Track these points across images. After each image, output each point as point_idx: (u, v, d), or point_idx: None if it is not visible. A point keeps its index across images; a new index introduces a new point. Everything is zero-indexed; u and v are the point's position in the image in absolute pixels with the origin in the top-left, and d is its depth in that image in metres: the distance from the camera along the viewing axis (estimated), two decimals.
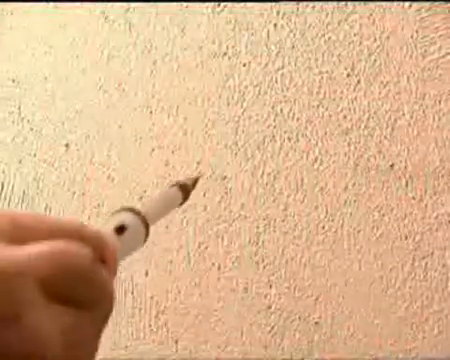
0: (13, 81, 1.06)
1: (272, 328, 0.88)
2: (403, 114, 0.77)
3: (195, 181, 0.87)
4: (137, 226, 0.65)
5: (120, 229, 0.60)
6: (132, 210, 0.66)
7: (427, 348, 0.79)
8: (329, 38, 0.81)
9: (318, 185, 0.83)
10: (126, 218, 0.62)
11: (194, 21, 0.90)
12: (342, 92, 0.81)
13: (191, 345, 0.94)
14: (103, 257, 0.39)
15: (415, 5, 0.76)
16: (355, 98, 0.80)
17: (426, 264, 0.78)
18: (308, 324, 0.86)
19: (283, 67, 0.85)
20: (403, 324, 0.80)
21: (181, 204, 0.85)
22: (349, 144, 0.81)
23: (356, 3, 0.79)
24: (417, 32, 0.76)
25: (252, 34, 0.86)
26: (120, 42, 0.97)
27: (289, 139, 0.85)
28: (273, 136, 0.86)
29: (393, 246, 0.80)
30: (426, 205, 0.77)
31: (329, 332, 0.85)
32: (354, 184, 0.81)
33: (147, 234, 0.66)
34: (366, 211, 0.81)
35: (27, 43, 1.05)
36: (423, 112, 0.76)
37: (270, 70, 0.86)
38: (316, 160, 0.83)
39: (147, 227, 0.66)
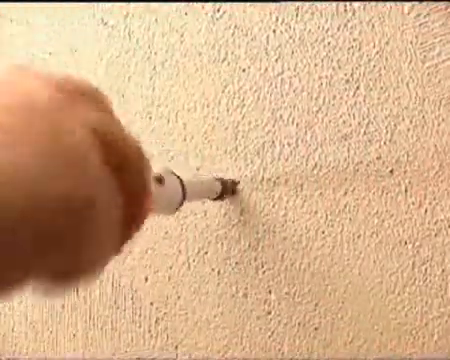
0: None
1: (272, 333, 0.88)
2: (402, 119, 0.77)
3: (234, 184, 0.88)
4: (176, 186, 0.66)
5: (158, 180, 0.60)
6: (174, 174, 0.67)
7: (427, 353, 0.79)
8: (328, 43, 0.81)
9: (318, 190, 0.83)
10: (167, 175, 0.63)
11: (193, 27, 0.90)
12: (341, 98, 0.81)
13: (191, 350, 0.94)
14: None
15: (414, 11, 0.76)
16: (354, 103, 0.80)
17: (426, 270, 0.78)
18: (308, 330, 0.86)
19: (282, 72, 0.85)
20: (403, 329, 0.80)
21: (217, 199, 0.86)
22: (348, 149, 0.81)
23: (355, 8, 0.79)
24: (416, 38, 0.76)
25: (251, 40, 0.86)
26: (119, 48, 0.97)
27: (289, 144, 0.85)
28: (273, 141, 0.86)
29: (393, 252, 0.80)
30: (426, 211, 0.77)
31: (329, 337, 0.85)
32: (354, 190, 0.81)
33: (182, 201, 0.67)
34: (365, 217, 0.81)
35: (27, 50, 1.05)
36: (423, 117, 0.76)
37: (269, 75, 0.86)
38: (316, 165, 0.83)
39: (184, 195, 0.67)
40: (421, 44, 0.76)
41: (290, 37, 0.84)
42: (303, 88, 0.83)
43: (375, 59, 0.78)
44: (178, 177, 0.68)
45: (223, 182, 0.86)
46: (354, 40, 0.80)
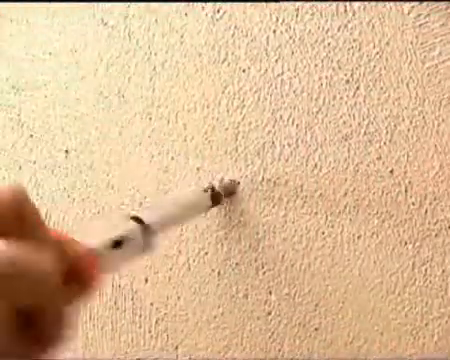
0: (13, 87, 1.06)
1: (272, 334, 0.88)
2: (402, 120, 0.77)
3: (231, 186, 0.87)
4: (136, 239, 0.63)
5: (117, 243, 0.59)
6: (139, 220, 0.64)
7: (427, 354, 0.79)
8: (328, 44, 0.81)
9: (318, 191, 0.83)
10: (125, 232, 0.61)
11: (193, 28, 0.90)
12: (341, 98, 0.81)
13: (191, 351, 0.94)
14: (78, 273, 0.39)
15: (414, 11, 0.76)
16: (354, 104, 0.80)
17: (426, 270, 0.78)
18: (308, 330, 0.86)
19: (282, 73, 0.85)
20: (403, 330, 0.80)
21: (211, 207, 0.84)
22: (349, 150, 0.81)
23: (355, 8, 0.79)
24: (416, 38, 0.76)
25: (251, 40, 0.86)
26: (120, 48, 0.97)
27: (289, 145, 0.85)
28: (273, 142, 0.86)
29: (393, 252, 0.80)
30: (426, 211, 0.77)
31: (329, 338, 0.85)
32: (354, 190, 0.81)
33: (151, 243, 0.64)
34: (366, 217, 0.81)
35: (27, 50, 1.05)
36: (423, 118, 0.76)
37: (269, 76, 0.85)
38: (316, 166, 0.83)
39: (150, 235, 0.64)
40: (421, 44, 0.76)
41: (290, 37, 0.83)
42: (303, 89, 0.83)
43: (375, 59, 0.78)
44: (141, 222, 0.65)
45: (213, 192, 0.84)
46: (354, 40, 0.79)
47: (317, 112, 0.83)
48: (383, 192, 0.79)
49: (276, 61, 0.85)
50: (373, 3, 0.78)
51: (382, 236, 0.80)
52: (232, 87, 0.88)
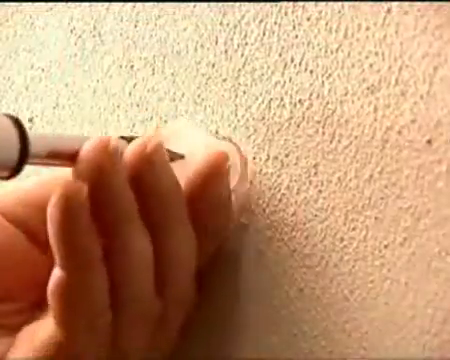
0: None
1: None
2: None
3: None
4: None
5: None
6: None
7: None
8: None
9: (336, 174, 0.60)
10: None
11: None
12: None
13: None
14: None
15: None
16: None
17: None
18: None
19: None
20: None
21: None
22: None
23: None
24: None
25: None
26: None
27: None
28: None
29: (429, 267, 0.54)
30: None
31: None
32: (382, 171, 0.57)
33: None
34: (396, 213, 0.56)
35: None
36: None
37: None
38: (334, 135, 0.61)
39: None
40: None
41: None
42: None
43: None
44: None
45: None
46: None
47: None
48: (418, 174, 0.54)
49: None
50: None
51: (416, 243, 0.55)
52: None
